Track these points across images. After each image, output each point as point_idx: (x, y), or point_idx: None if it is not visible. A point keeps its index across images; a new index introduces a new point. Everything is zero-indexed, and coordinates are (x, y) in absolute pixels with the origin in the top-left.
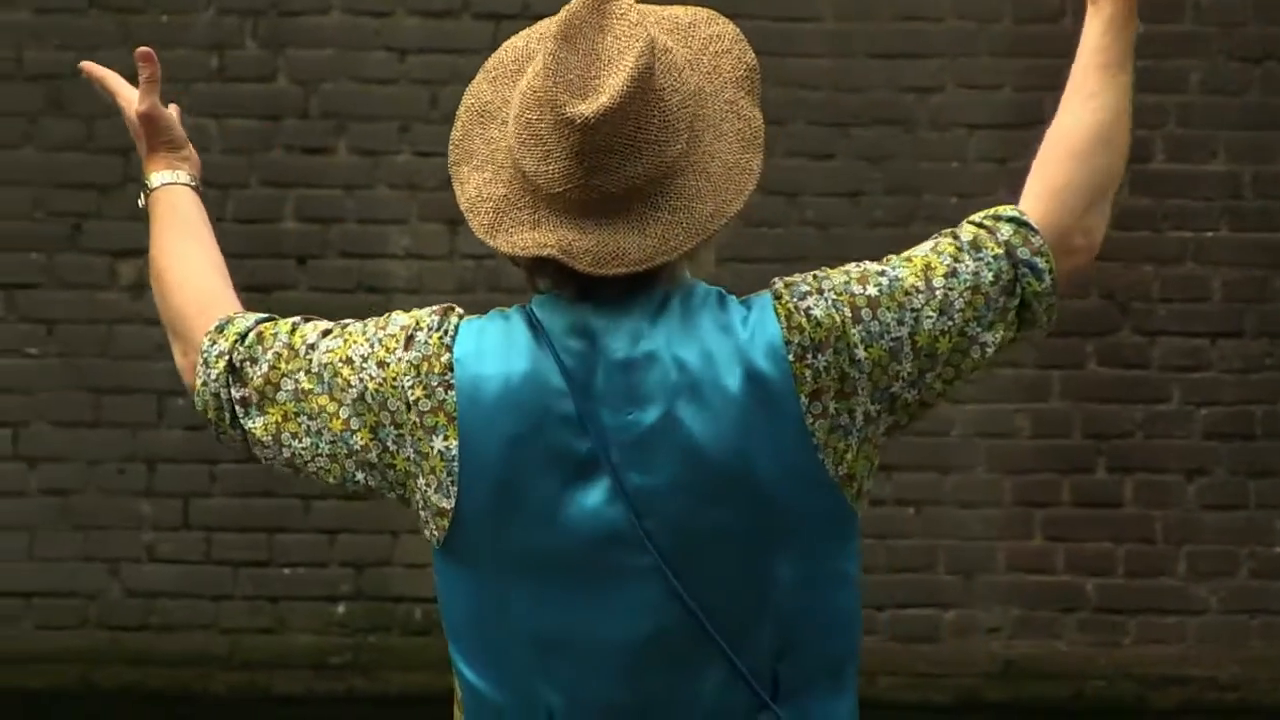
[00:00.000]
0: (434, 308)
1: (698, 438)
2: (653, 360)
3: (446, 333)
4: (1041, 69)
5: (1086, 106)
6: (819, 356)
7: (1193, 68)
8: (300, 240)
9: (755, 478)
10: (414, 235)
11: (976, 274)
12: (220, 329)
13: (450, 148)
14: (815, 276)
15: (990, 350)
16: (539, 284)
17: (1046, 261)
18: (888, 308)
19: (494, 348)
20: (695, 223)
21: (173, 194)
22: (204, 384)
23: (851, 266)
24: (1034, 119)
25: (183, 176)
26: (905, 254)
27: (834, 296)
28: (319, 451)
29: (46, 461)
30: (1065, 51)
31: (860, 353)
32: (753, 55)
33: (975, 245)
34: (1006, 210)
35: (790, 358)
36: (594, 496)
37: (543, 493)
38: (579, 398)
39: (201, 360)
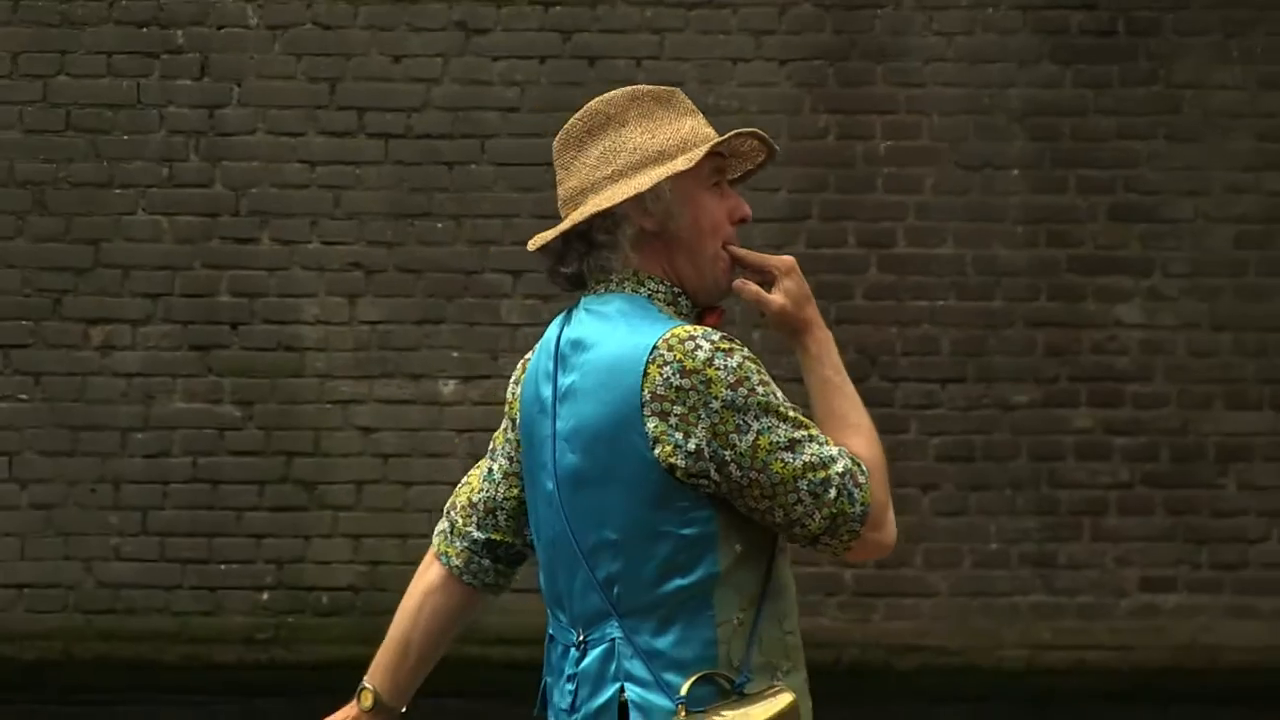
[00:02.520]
0: None
1: (588, 401)
2: (575, 344)
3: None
4: (809, 176)
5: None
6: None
7: (927, 174)
8: (233, 310)
9: (610, 443)
10: (321, 306)
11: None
12: None
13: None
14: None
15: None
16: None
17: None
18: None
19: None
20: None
21: None
22: None
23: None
24: (803, 215)
25: None
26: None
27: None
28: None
29: (35, 483)
30: (828, 162)
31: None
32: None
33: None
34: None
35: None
36: (546, 429)
37: (533, 428)
38: (555, 360)
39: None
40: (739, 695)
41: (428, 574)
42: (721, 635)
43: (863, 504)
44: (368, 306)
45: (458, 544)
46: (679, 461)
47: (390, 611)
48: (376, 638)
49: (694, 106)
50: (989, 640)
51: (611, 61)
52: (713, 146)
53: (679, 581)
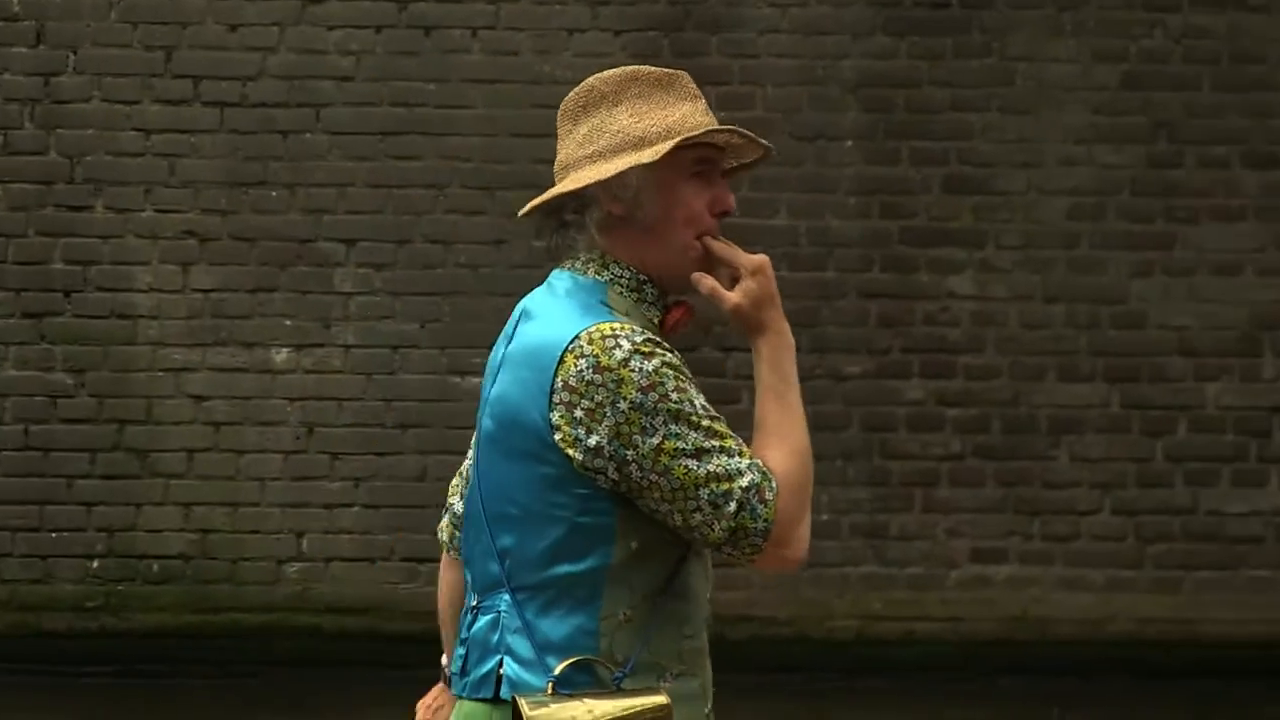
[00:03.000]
0: None
1: (511, 372)
2: (524, 314)
3: None
4: None
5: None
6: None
7: None
8: (66, 277)
9: (518, 419)
10: (155, 274)
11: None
12: None
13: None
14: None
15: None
16: None
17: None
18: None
19: None
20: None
21: None
22: None
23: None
24: None
25: None
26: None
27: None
28: None
29: None
30: None
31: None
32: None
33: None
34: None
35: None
36: (486, 391)
37: (483, 389)
38: (513, 325)
39: None
40: (615, 689)
41: (445, 552)
42: (604, 628)
43: (765, 520)
44: (201, 274)
45: (446, 518)
46: (576, 454)
47: (221, 579)
48: (206, 605)
49: (696, 92)
50: (819, 611)
51: (447, 31)
52: (680, 142)
53: (568, 567)
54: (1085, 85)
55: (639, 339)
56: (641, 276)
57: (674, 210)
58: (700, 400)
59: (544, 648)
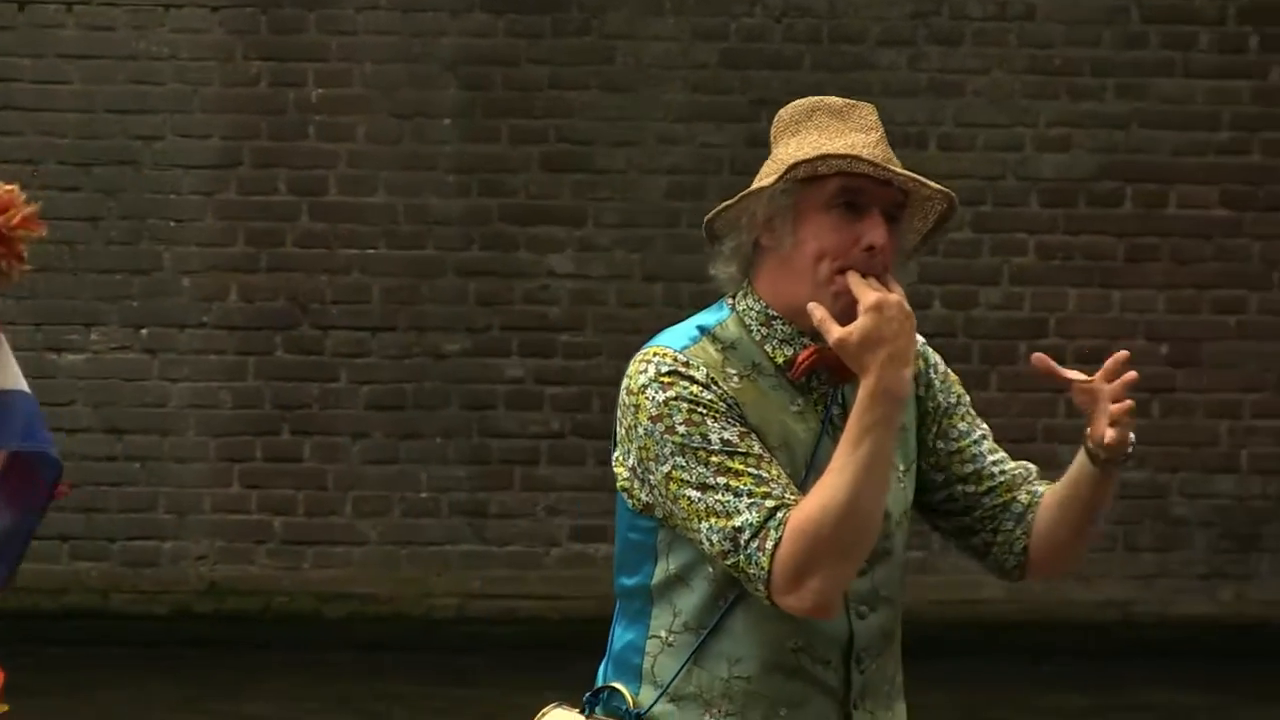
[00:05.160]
0: None
1: None
2: None
3: None
4: (241, 123)
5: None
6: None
7: (359, 122)
8: None
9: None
10: None
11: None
12: None
13: None
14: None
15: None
16: None
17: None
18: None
19: None
20: None
21: None
22: None
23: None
24: (234, 162)
25: None
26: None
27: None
28: None
29: None
30: (260, 109)
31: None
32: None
33: None
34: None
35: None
36: None
37: None
38: None
39: None
40: (635, 719)
41: None
42: (650, 647)
43: (760, 567)
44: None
45: None
46: (621, 471)
47: None
48: None
49: (873, 124)
50: (419, 588)
51: (42, 6)
52: (790, 167)
53: (625, 579)
54: (685, 64)
55: (665, 368)
56: (772, 312)
57: (806, 242)
58: (722, 435)
59: (610, 656)
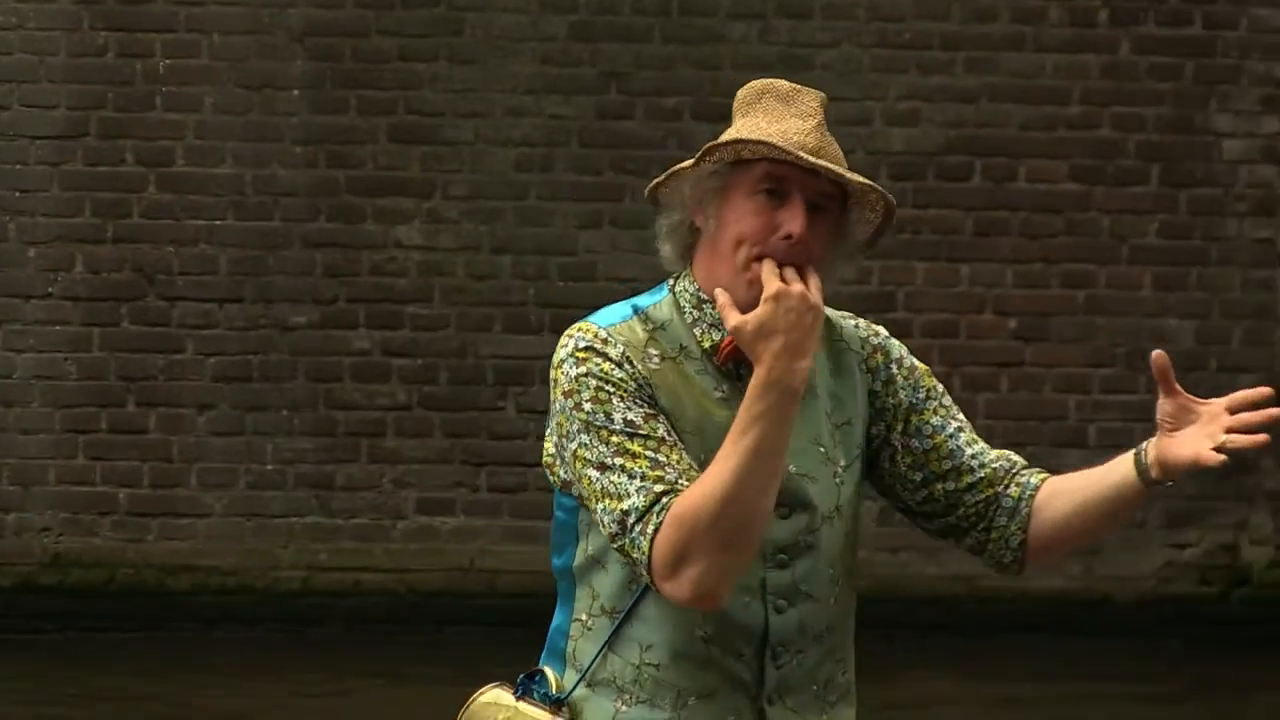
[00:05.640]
0: None
1: None
2: None
3: None
4: (88, 93)
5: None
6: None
7: (206, 93)
8: None
9: None
10: None
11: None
12: None
13: None
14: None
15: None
16: None
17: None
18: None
19: None
20: None
21: None
22: None
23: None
24: (81, 132)
25: None
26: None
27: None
28: None
29: None
30: (107, 80)
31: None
32: None
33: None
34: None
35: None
36: None
37: None
38: None
39: None
40: (557, 704)
41: None
42: (574, 630)
43: (642, 551)
44: None
45: None
46: (548, 445)
47: None
48: None
49: (813, 110)
50: (264, 561)
51: None
52: (705, 150)
53: (555, 560)
54: (534, 36)
55: (583, 344)
56: (703, 295)
57: (728, 226)
58: (626, 415)
59: (546, 638)
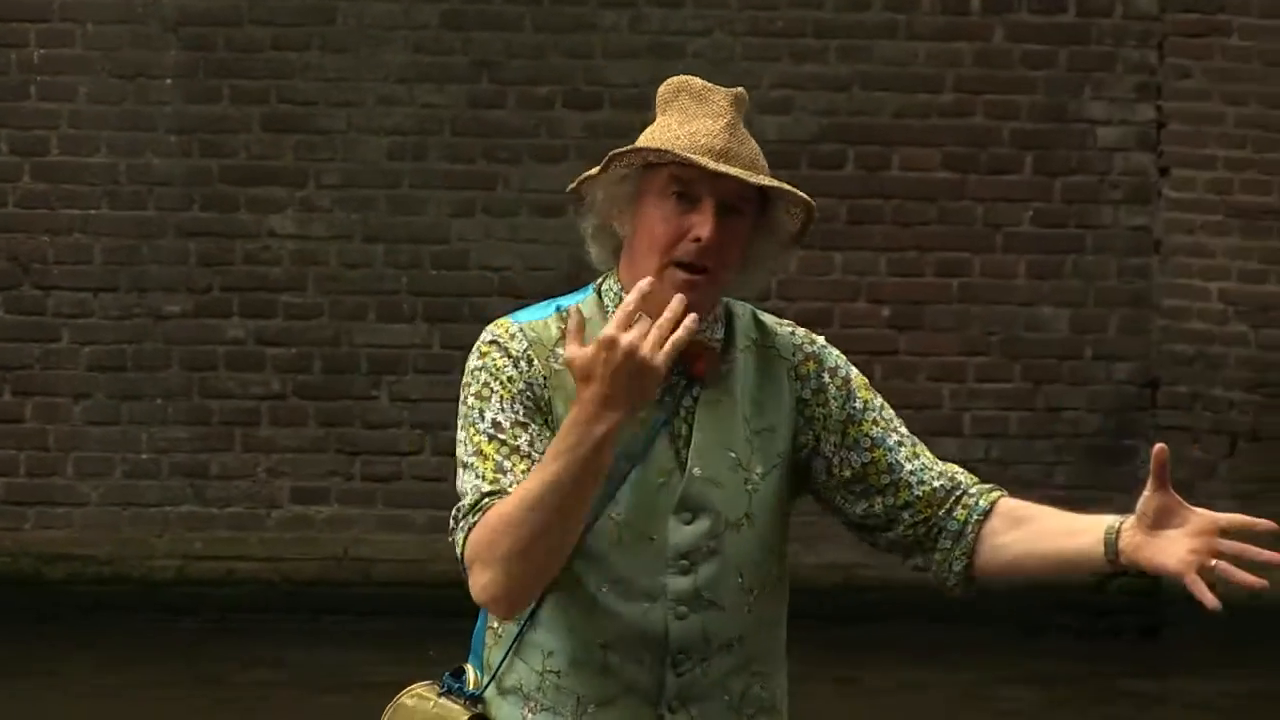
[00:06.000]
0: None
1: None
2: None
3: None
4: None
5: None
6: None
7: (80, 82)
8: None
9: None
10: None
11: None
12: None
13: None
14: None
15: None
16: None
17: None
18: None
19: None
20: None
21: None
22: None
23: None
24: None
25: None
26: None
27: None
28: None
29: None
30: None
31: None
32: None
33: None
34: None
35: None
36: None
37: None
38: None
39: None
40: (472, 699)
41: None
42: (489, 636)
43: (459, 546)
44: None
45: None
46: None
47: None
48: None
49: (723, 110)
50: (140, 550)
51: None
52: (609, 159)
53: None
54: (406, 24)
55: (489, 338)
56: (626, 295)
57: (640, 231)
58: (496, 417)
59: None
